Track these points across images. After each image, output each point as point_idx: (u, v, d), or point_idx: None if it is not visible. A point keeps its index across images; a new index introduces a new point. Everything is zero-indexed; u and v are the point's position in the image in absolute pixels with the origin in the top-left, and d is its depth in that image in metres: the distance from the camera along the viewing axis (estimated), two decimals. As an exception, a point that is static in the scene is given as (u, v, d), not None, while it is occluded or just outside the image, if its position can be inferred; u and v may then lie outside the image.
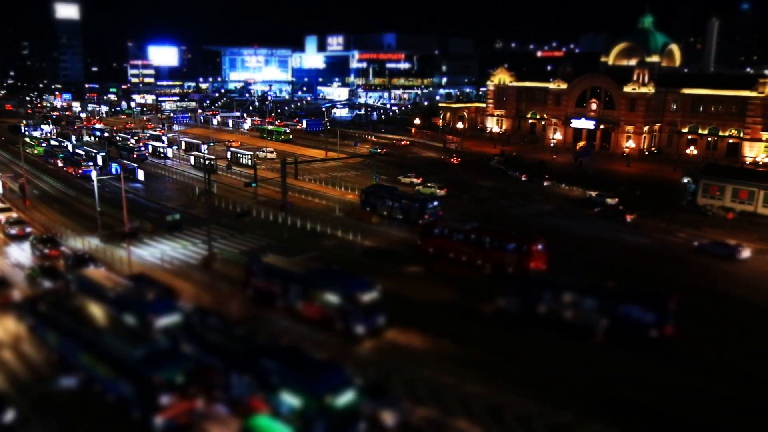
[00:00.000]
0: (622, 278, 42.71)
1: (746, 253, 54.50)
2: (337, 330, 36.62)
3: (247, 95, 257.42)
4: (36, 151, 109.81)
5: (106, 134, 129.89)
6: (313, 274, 39.86)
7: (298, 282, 39.24)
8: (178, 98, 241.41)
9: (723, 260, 53.66)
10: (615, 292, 38.05)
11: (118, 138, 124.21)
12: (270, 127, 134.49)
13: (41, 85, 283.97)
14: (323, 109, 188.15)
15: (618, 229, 63.98)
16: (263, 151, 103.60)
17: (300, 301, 38.95)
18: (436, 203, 64.77)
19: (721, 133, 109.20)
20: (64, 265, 48.27)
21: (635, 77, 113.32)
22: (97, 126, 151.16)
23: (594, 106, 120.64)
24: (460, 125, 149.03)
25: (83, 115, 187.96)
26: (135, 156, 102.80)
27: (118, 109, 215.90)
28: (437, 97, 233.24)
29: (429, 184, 79.93)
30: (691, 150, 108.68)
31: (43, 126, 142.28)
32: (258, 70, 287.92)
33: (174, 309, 35.07)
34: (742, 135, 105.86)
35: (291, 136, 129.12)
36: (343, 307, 36.46)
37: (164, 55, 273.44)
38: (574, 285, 38.95)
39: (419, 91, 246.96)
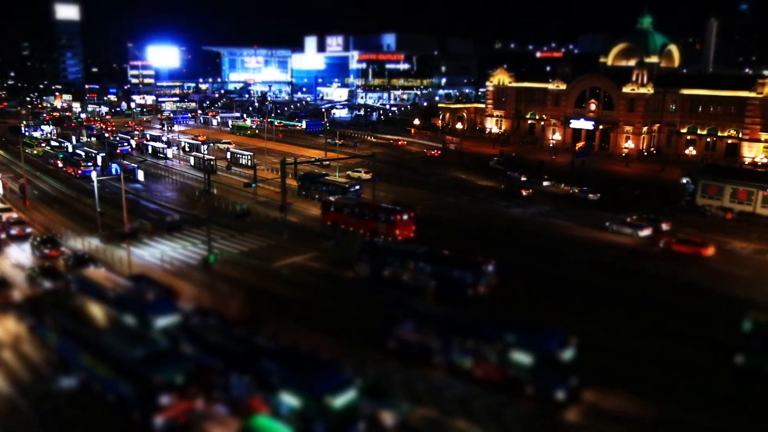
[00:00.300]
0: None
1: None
2: (528, 395, 30.08)
3: (247, 96, 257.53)
4: (35, 152, 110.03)
5: (95, 132, 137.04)
6: (487, 324, 32.52)
7: (466, 334, 32.16)
8: (178, 99, 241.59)
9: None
10: (443, 258, 44.46)
11: (106, 134, 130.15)
12: (239, 123, 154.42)
13: (41, 86, 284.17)
14: (323, 110, 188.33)
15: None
16: (223, 143, 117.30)
17: (470, 358, 31.96)
18: (357, 187, 71.90)
19: (720, 134, 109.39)
20: (64, 266, 48.42)
21: (634, 78, 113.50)
22: (94, 126, 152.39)
23: (593, 107, 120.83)
24: (459, 126, 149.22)
25: (84, 115, 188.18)
26: (118, 151, 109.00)
27: (118, 109, 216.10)
28: (436, 98, 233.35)
29: (356, 170, 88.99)
30: (690, 150, 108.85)
31: (43, 126, 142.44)
32: (257, 71, 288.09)
33: (173, 309, 35.18)
34: (740, 135, 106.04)
35: (257, 132, 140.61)
36: (538, 368, 29.85)
37: (164, 56, 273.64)
38: (412, 252, 45.49)
39: (418, 92, 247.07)
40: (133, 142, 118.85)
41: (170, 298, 37.36)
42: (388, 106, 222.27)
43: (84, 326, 32.25)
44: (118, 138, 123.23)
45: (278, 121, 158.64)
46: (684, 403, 30.32)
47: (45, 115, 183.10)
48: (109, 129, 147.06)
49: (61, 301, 36.81)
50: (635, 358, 34.70)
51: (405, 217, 56.18)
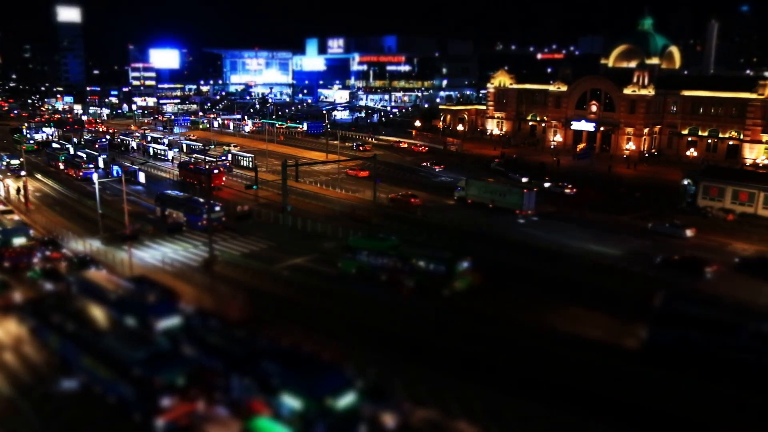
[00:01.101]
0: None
1: None
2: None
3: (248, 98, 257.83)
4: (26, 147, 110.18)
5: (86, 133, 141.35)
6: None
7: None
8: (179, 101, 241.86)
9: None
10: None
11: (87, 135, 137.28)
12: (198, 119, 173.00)
13: (43, 88, 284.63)
14: (324, 112, 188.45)
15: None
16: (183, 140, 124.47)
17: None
18: (223, 157, 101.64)
19: (721, 135, 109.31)
20: (65, 267, 48.45)
21: (635, 79, 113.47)
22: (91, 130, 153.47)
23: (594, 108, 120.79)
24: (460, 127, 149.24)
25: (85, 117, 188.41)
26: (96, 146, 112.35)
27: (119, 111, 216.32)
28: (437, 100, 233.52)
29: (225, 145, 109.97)
30: (692, 152, 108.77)
31: (44, 129, 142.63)
32: (259, 73, 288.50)
33: (175, 311, 35.20)
34: (742, 137, 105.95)
35: (209, 126, 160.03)
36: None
37: (165, 58, 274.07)
38: (182, 201, 63.77)
39: (419, 94, 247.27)
40: (134, 144, 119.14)
41: (172, 300, 37.39)
42: (389, 108, 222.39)
43: (85, 328, 32.21)
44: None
45: (279, 123, 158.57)
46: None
47: (37, 117, 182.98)
48: (103, 131, 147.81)
49: (62, 303, 36.78)
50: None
51: (216, 171, 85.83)
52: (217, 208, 61.60)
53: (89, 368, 30.70)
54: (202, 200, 62.92)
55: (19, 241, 52.37)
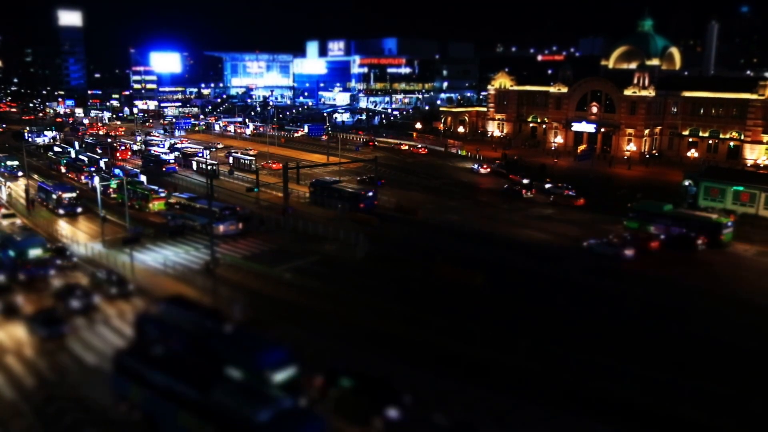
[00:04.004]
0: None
1: None
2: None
3: (249, 101, 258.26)
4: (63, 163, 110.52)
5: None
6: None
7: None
8: (180, 104, 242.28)
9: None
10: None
11: (89, 138, 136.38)
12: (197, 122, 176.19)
13: (44, 92, 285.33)
14: (325, 114, 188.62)
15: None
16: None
17: None
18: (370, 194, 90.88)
19: (721, 136, 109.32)
20: (90, 284, 48.08)
21: (635, 80, 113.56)
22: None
23: (595, 110, 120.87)
24: (461, 129, 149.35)
25: (86, 121, 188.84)
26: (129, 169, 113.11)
27: (120, 115, 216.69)
28: (438, 102, 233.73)
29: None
30: (692, 153, 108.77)
31: (46, 132, 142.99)
32: (259, 76, 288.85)
33: (291, 362, 29.03)
34: (742, 137, 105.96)
35: (204, 128, 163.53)
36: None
37: (166, 61, 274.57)
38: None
39: (420, 96, 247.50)
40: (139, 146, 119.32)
41: (286, 350, 29.93)
42: (390, 110, 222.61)
43: (180, 381, 26.42)
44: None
45: (284, 129, 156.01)
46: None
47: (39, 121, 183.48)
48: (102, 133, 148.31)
49: (144, 349, 29.94)
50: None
51: (123, 148, 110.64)
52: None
53: (189, 430, 25.57)
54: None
55: (35, 252, 49.16)
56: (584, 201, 77.20)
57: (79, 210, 69.07)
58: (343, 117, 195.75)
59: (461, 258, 53.02)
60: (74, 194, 70.28)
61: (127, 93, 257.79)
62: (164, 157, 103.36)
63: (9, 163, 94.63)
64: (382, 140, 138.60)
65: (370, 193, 71.78)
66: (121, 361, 29.24)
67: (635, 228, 61.64)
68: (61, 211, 68.78)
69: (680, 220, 59.66)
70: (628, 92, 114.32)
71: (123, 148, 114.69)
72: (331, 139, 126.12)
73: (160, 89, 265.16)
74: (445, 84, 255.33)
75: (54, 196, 70.12)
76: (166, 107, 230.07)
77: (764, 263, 54.62)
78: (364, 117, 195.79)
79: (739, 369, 34.38)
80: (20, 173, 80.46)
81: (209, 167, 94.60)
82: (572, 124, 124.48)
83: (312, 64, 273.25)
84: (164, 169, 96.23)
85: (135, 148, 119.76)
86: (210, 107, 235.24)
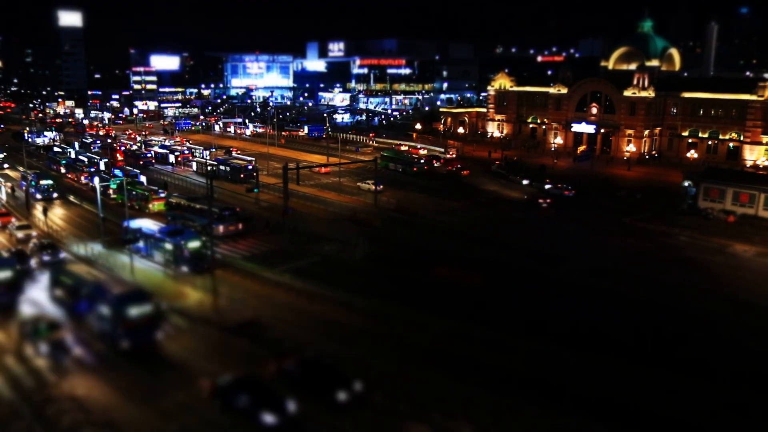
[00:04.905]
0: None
1: None
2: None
3: (249, 101, 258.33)
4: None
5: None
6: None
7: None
8: (180, 104, 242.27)
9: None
10: None
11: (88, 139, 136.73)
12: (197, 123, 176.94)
13: (44, 92, 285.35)
14: (324, 115, 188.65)
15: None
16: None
17: None
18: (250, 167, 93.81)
19: (721, 137, 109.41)
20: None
21: (635, 81, 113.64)
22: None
23: (594, 111, 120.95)
24: (461, 130, 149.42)
25: (86, 121, 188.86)
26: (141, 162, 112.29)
27: (120, 115, 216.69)
28: (438, 102, 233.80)
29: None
30: (692, 153, 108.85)
31: (46, 133, 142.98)
32: (260, 77, 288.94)
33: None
34: (742, 138, 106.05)
35: (201, 129, 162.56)
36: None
37: (166, 62, 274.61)
38: None
39: (420, 97, 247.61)
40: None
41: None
42: (390, 111, 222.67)
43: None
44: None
45: (285, 129, 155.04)
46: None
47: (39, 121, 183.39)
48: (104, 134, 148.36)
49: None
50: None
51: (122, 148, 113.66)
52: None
53: None
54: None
55: (139, 310, 36.34)
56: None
57: (55, 195, 77.97)
58: (343, 117, 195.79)
59: (461, 258, 53.08)
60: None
61: (127, 93, 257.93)
62: (139, 152, 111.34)
63: (42, 182, 77.78)
64: (382, 141, 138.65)
65: (250, 167, 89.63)
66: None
67: None
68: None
69: None
70: (627, 93, 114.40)
71: (122, 148, 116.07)
72: (331, 139, 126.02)
73: (160, 90, 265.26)
74: (445, 85, 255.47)
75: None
76: (166, 108, 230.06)
77: (764, 263, 54.64)
78: (363, 118, 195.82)
79: (739, 369, 34.36)
80: (55, 195, 79.71)
81: (209, 168, 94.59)
82: (572, 124, 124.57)
83: (312, 64, 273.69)
84: (141, 163, 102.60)
85: (134, 148, 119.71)
86: (210, 108, 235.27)
